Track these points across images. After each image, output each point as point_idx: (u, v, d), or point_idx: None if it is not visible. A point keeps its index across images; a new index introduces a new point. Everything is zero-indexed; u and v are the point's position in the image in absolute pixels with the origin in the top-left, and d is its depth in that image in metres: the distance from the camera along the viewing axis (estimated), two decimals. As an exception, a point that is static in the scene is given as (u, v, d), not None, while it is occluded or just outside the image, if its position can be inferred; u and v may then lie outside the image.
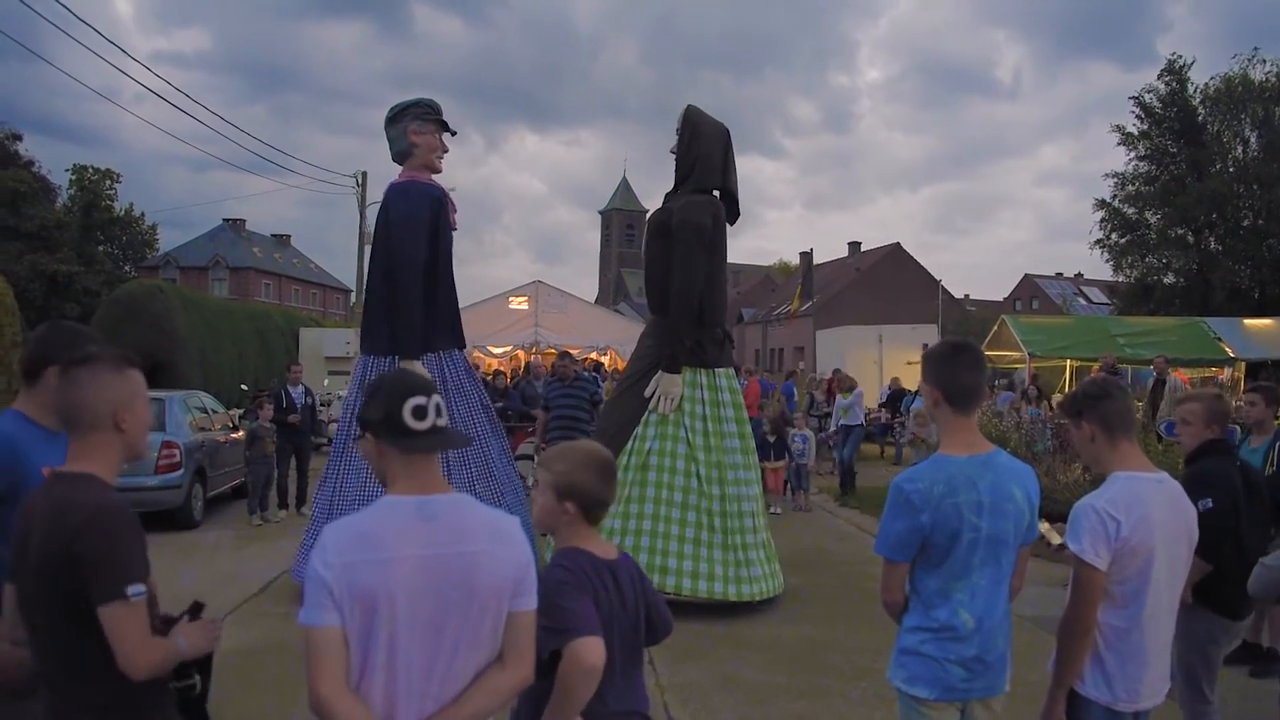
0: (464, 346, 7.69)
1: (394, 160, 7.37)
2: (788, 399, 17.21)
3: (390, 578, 1.93)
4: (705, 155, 7.57)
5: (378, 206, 7.64)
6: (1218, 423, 3.88)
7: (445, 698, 2.00)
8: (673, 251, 7.28)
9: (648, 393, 7.29)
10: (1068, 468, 10.62)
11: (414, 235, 7.03)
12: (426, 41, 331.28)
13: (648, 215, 8.16)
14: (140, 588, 2.05)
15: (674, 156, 7.79)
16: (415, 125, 7.20)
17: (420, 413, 2.05)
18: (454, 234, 7.47)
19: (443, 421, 2.09)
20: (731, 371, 7.84)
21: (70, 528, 2.02)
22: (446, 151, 7.37)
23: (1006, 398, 15.70)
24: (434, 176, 7.33)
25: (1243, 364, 18.79)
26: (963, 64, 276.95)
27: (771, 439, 12.16)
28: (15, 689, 2.57)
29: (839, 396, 14.26)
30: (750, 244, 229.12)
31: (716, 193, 7.68)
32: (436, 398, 2.10)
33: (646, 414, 7.26)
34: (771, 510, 11.23)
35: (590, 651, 2.22)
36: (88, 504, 2.07)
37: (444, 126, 7.35)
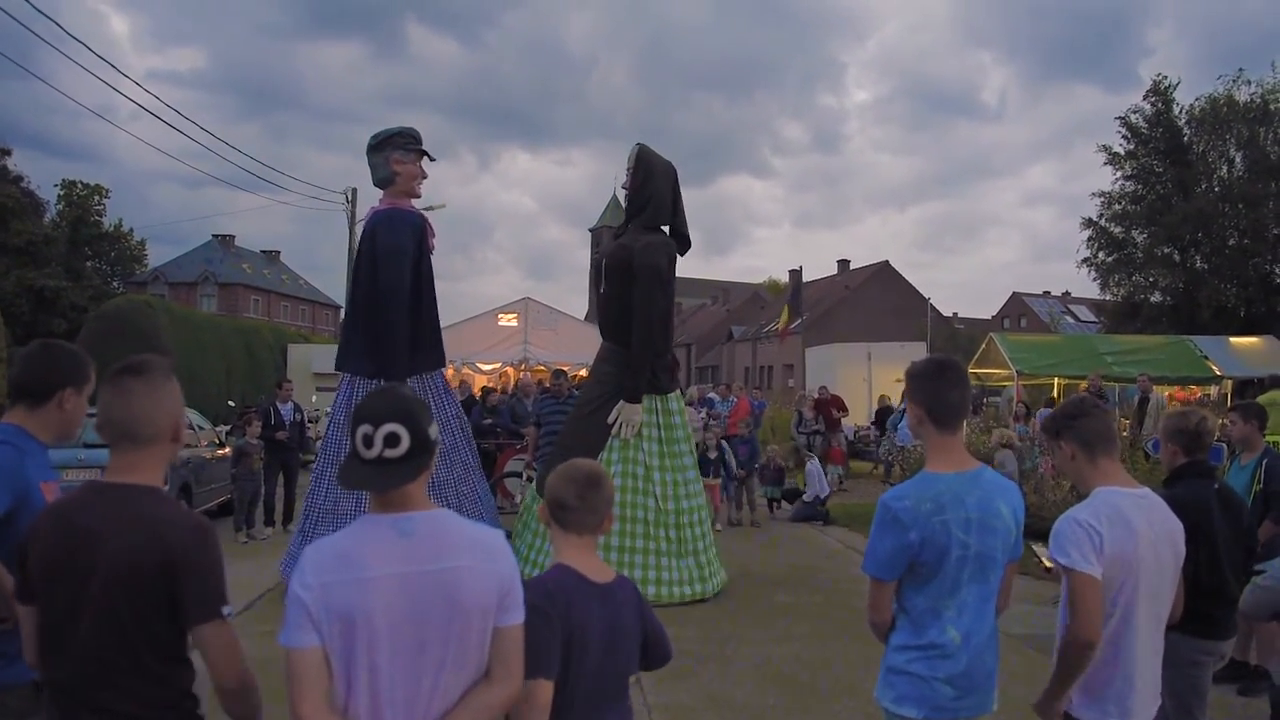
0: (444, 364, 8.05)
1: (375, 185, 7.67)
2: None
3: (369, 597, 1.91)
4: (658, 193, 8.13)
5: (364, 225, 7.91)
6: (1174, 442, 3.87)
7: (432, 716, 1.97)
8: (634, 291, 7.83)
9: (611, 419, 7.86)
10: (1056, 485, 10.64)
11: (400, 265, 7.32)
12: (420, 62, 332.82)
13: (601, 249, 8.56)
14: (230, 608, 2.14)
15: (625, 193, 8.34)
16: (398, 154, 7.50)
17: (366, 442, 2.00)
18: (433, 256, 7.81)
19: (395, 452, 1.99)
20: (679, 394, 8.57)
21: (172, 544, 2.06)
22: (426, 178, 7.72)
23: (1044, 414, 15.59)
24: (413, 202, 7.70)
25: (1229, 382, 18.86)
26: (949, 86, 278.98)
27: (712, 456, 12.14)
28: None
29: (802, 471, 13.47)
30: (739, 262, 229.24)
31: (665, 229, 8.23)
32: (389, 427, 1.99)
33: (610, 439, 7.86)
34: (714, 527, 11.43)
35: (545, 695, 2.20)
36: (187, 521, 2.14)
37: (424, 154, 7.66)
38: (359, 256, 7.68)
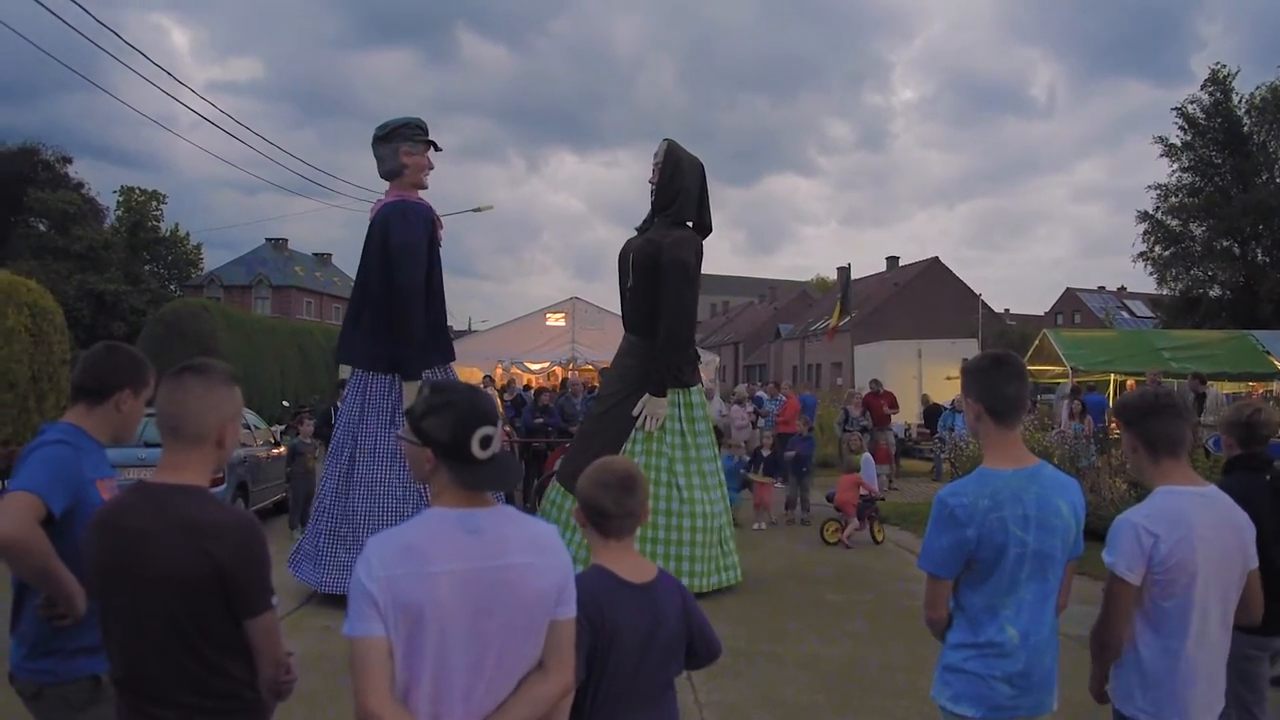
0: (454, 359, 8.07)
1: (382, 177, 7.59)
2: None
3: (434, 591, 1.94)
4: (686, 189, 8.20)
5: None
6: (1230, 434, 3.84)
7: (489, 707, 2.01)
8: (663, 286, 7.90)
9: (635, 412, 7.95)
10: (1113, 484, 10.46)
11: (416, 260, 7.27)
12: (471, 68, 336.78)
13: (628, 243, 8.46)
14: (277, 597, 2.25)
15: (652, 187, 8.36)
16: (406, 146, 7.41)
17: (486, 442, 2.07)
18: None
19: (498, 448, 2.10)
20: (701, 388, 8.61)
21: (218, 553, 2.11)
22: (433, 169, 7.63)
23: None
24: (420, 194, 7.61)
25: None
26: (996, 83, 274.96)
27: (766, 454, 12.02)
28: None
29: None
30: (787, 260, 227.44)
31: (690, 224, 8.30)
32: (499, 425, 2.12)
33: (634, 432, 7.96)
34: (755, 526, 11.61)
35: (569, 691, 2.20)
36: (238, 521, 2.20)
37: (431, 145, 7.58)
38: (367, 248, 7.54)
